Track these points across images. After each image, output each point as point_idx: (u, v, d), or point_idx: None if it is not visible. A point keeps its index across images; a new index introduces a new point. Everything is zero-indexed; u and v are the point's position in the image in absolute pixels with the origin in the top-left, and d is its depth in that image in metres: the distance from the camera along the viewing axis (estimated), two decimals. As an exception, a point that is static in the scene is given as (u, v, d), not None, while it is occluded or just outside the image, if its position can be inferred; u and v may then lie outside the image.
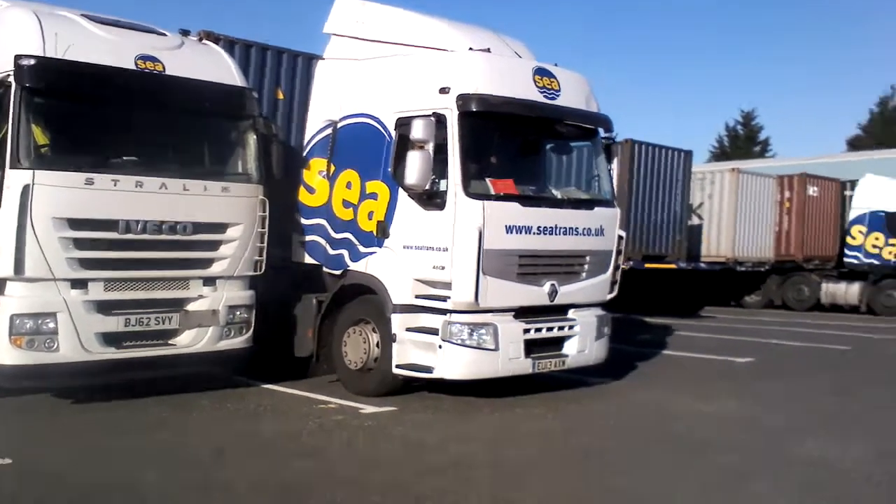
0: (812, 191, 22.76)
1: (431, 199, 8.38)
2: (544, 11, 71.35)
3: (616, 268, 9.57)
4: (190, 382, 8.65)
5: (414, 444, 6.98)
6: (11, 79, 7.46)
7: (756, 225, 21.31)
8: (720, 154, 46.67)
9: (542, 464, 6.49)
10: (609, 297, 9.59)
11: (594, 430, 7.80)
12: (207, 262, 8.36)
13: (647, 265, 17.50)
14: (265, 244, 8.68)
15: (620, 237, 9.64)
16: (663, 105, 76.49)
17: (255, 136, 8.81)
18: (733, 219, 20.54)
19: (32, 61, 7.49)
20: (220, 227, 8.39)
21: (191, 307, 8.26)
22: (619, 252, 9.60)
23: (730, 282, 21.98)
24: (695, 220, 20.39)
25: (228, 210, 8.43)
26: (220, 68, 8.90)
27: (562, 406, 8.85)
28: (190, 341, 8.22)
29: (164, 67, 8.24)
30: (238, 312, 8.51)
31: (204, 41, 9.63)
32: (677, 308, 19.79)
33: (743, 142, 47.97)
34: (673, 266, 18.12)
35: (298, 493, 5.64)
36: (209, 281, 8.37)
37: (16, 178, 7.26)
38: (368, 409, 8.28)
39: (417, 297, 8.54)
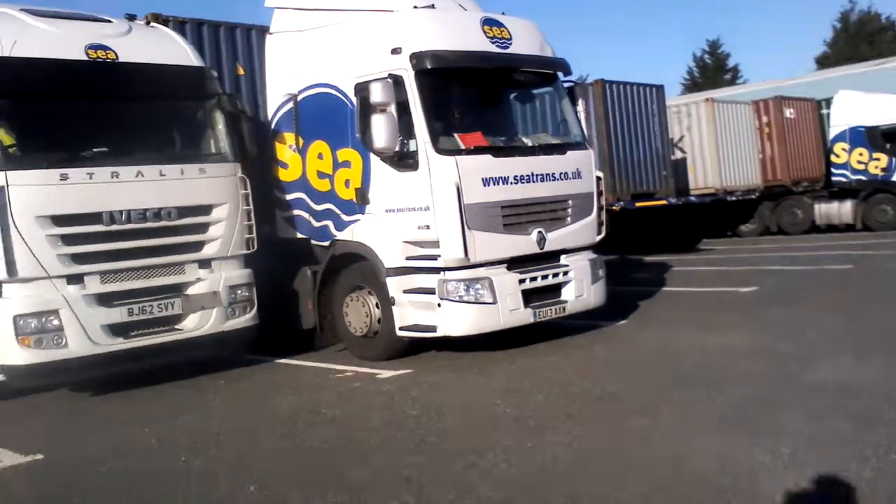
0: (789, 113, 23.37)
1: (403, 160, 8.69)
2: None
3: (600, 209, 9.92)
4: (202, 365, 8.91)
5: (434, 404, 7.25)
6: (-37, 82, 7.55)
7: (739, 153, 21.88)
8: (692, 86, 47.23)
9: (563, 411, 6.74)
10: (598, 238, 9.94)
11: (608, 373, 8.06)
12: (198, 245, 8.58)
13: (637, 204, 17.90)
14: (253, 221, 8.92)
15: (599, 178, 9.97)
16: (628, 44, 76.99)
17: (222, 115, 9.02)
18: (715, 149, 21.09)
19: None
20: (205, 209, 8.61)
21: (191, 291, 8.50)
22: (599, 193, 9.93)
23: (723, 212, 22.56)
24: (678, 155, 20.90)
25: (210, 191, 8.65)
26: (175, 50, 9.07)
27: (574, 352, 9.17)
28: (196, 325, 8.49)
29: (116, 55, 8.39)
30: (239, 292, 8.78)
31: (152, 24, 9.76)
32: (674, 244, 20.30)
33: (712, 71, 48.59)
34: (664, 202, 18.54)
35: (328, 461, 5.91)
36: (205, 263, 8.61)
37: (-12, 182, 7.39)
38: (385, 373, 8.57)
39: (409, 258, 8.87)
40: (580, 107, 10.24)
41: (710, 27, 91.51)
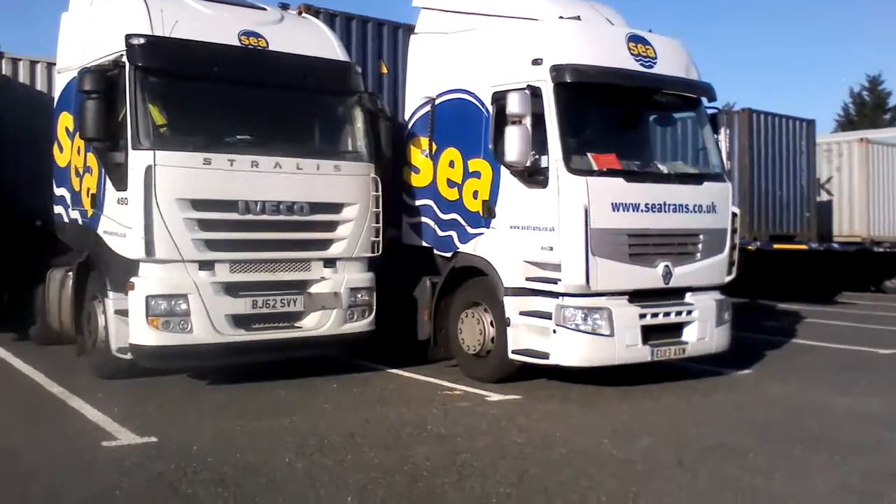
0: (954, 161, 22.01)
1: (533, 175, 8.59)
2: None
3: (732, 247, 9.55)
4: (315, 365, 9.13)
5: (540, 434, 7.18)
6: (125, 59, 7.98)
7: (892, 200, 20.77)
8: (846, 123, 45.13)
9: (674, 460, 6.54)
10: (727, 279, 9.59)
11: (726, 424, 7.77)
12: (326, 244, 8.77)
13: (775, 246, 17.26)
14: (381, 224, 9.03)
15: (735, 214, 9.63)
16: (781, 74, 74.16)
17: (362, 113, 9.16)
18: (866, 194, 20.10)
19: (143, 40, 8.01)
20: (336, 207, 8.79)
21: (314, 289, 8.70)
22: (734, 230, 9.57)
23: (867, 264, 21.32)
24: (823, 196, 20.02)
25: (343, 189, 8.82)
26: (323, 43, 9.29)
27: (691, 397, 8.92)
28: (315, 324, 8.69)
29: (267, 43, 8.67)
30: (360, 295, 8.93)
31: (304, 15, 10.06)
32: (810, 293, 19.39)
33: (870, 109, 46.30)
34: (804, 247, 17.81)
35: (427, 479, 5.91)
36: (329, 263, 8.79)
37: (138, 160, 7.80)
38: (494, 396, 8.54)
39: (528, 279, 8.77)
40: (722, 136, 9.96)
41: (871, 61, 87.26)
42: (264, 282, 8.45)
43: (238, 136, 8.49)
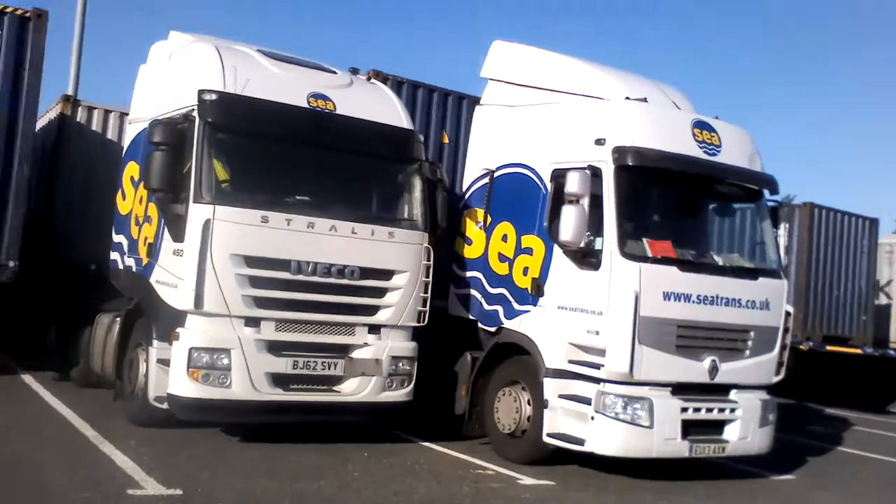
0: None
1: (586, 257, 8.49)
2: (721, 66, 70.43)
3: (783, 347, 9.29)
4: (348, 431, 9.06)
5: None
6: (195, 113, 8.18)
7: (953, 309, 20.18)
8: (907, 225, 44.41)
9: None
10: (775, 379, 9.33)
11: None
12: (373, 310, 8.75)
13: (828, 347, 16.83)
14: (429, 294, 9.02)
15: (788, 313, 9.41)
16: (842, 169, 73.27)
17: (420, 181, 9.21)
18: (927, 300, 19.59)
19: (215, 96, 8.21)
20: (387, 274, 8.78)
21: (356, 354, 8.66)
22: (786, 330, 9.33)
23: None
24: (882, 300, 19.53)
25: (394, 256, 8.81)
26: (388, 109, 9.41)
27: (732, 499, 8.67)
28: (353, 390, 8.63)
29: (334, 106, 8.81)
30: (401, 364, 8.87)
31: (372, 80, 10.26)
32: (860, 399, 18.79)
33: (934, 213, 45.54)
34: (858, 351, 17.30)
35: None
36: (374, 329, 8.77)
37: (198, 213, 7.93)
38: (527, 480, 8.35)
39: (571, 361, 8.64)
40: (781, 230, 9.80)
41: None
42: (307, 343, 8.44)
43: (297, 197, 8.59)
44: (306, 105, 8.66)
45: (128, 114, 10.83)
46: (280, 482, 7.26)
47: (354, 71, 10.06)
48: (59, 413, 9.44)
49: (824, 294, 17.08)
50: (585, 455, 8.58)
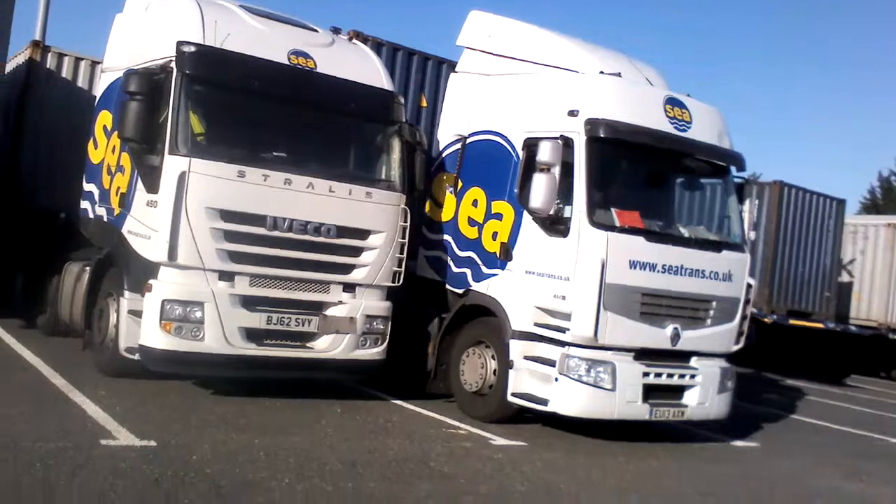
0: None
1: (555, 224, 8.63)
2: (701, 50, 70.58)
3: (744, 317, 9.54)
4: (322, 388, 9.04)
5: (544, 485, 7.08)
6: (173, 65, 8.01)
7: (915, 289, 20.58)
8: (871, 206, 44.97)
9: None
10: (735, 348, 9.59)
11: (731, 497, 7.65)
12: (348, 268, 8.70)
13: (791, 321, 17.12)
14: (405, 255, 8.99)
15: (749, 285, 9.63)
16: (809, 150, 74.06)
17: (400, 143, 9.15)
18: (888, 279, 19.92)
19: (193, 48, 8.04)
20: (363, 234, 8.73)
21: (330, 312, 8.62)
22: (747, 301, 9.57)
23: (881, 350, 21.03)
24: (845, 277, 19.86)
25: (371, 216, 8.77)
26: (370, 70, 9.30)
27: (697, 465, 8.84)
28: (327, 347, 8.60)
29: (315, 64, 8.69)
30: (375, 323, 8.84)
31: (354, 41, 10.11)
32: (820, 372, 19.20)
33: (897, 194, 46.16)
34: (820, 325, 17.64)
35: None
36: (349, 287, 8.73)
37: (173, 165, 7.79)
38: (498, 440, 8.42)
39: (537, 324, 8.80)
40: (746, 206, 10.02)
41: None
42: (282, 299, 8.37)
43: (274, 153, 8.48)
44: (287, 62, 8.54)
45: (100, 62, 10.62)
46: (254, 436, 7.22)
47: (336, 31, 9.91)
48: (27, 361, 9.32)
49: (790, 270, 17.32)
50: (548, 415, 8.74)
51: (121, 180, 8.80)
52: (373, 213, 8.79)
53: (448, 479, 6.85)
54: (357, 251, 8.74)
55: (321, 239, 8.42)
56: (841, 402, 16.06)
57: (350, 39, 10.11)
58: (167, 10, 8.91)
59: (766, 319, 16.27)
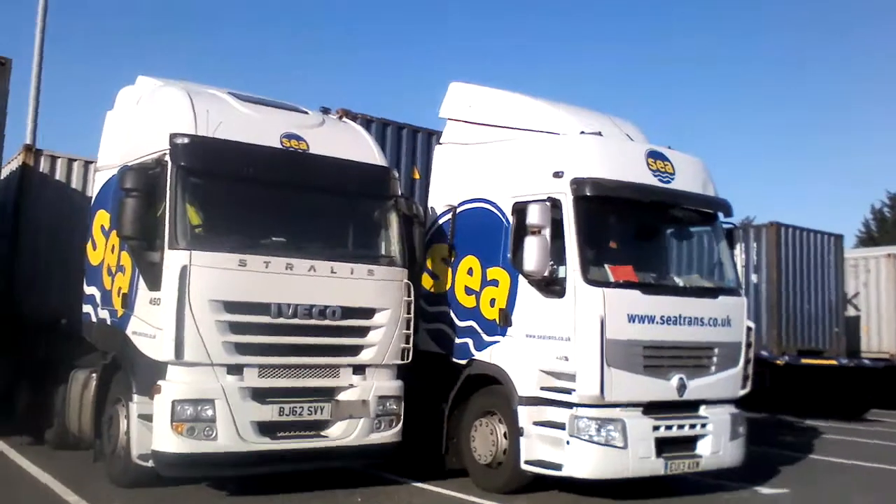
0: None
1: (551, 286, 8.61)
2: (681, 96, 71.53)
3: (747, 361, 9.50)
4: (336, 476, 8.71)
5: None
6: (167, 157, 7.90)
7: (920, 316, 20.36)
8: (867, 239, 44.95)
9: None
10: (742, 392, 9.50)
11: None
12: (357, 349, 8.48)
13: (803, 360, 16.82)
14: (412, 331, 8.78)
15: (749, 328, 9.61)
16: (802, 189, 74.45)
17: (397, 217, 9.02)
18: (894, 309, 19.60)
19: (187, 139, 7.94)
20: (368, 312, 8.52)
21: (342, 397, 8.36)
22: (749, 344, 9.53)
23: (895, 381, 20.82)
24: (851, 312, 19.65)
25: (375, 294, 8.57)
26: (362, 146, 9.24)
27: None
28: (342, 433, 8.31)
29: (308, 146, 8.60)
30: (388, 403, 8.58)
31: (343, 119, 10.09)
32: (838, 409, 18.83)
33: (891, 226, 46.18)
34: (833, 362, 17.33)
35: None
36: (359, 370, 8.48)
37: (174, 259, 7.60)
38: (524, 515, 8.14)
39: (543, 388, 8.67)
40: (738, 251, 10.05)
41: (890, 179, 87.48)
42: (292, 388, 8.10)
43: (274, 238, 8.31)
44: (280, 146, 8.44)
45: (92, 162, 10.53)
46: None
47: (326, 111, 9.88)
48: (36, 479, 8.84)
49: (796, 309, 17.11)
50: (564, 480, 8.54)
51: (122, 280, 8.59)
52: (376, 290, 8.60)
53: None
54: (364, 331, 8.52)
55: (327, 322, 8.19)
56: (863, 437, 15.67)
57: (340, 118, 10.09)
58: (158, 102, 8.85)
59: (777, 361, 16.01)
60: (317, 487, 8.54)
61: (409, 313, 8.78)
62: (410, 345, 8.79)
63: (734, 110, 72.93)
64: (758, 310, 16.76)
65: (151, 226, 7.84)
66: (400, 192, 9.30)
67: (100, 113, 10.09)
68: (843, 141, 68.57)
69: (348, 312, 8.37)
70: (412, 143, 11.45)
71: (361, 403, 8.40)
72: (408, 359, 8.76)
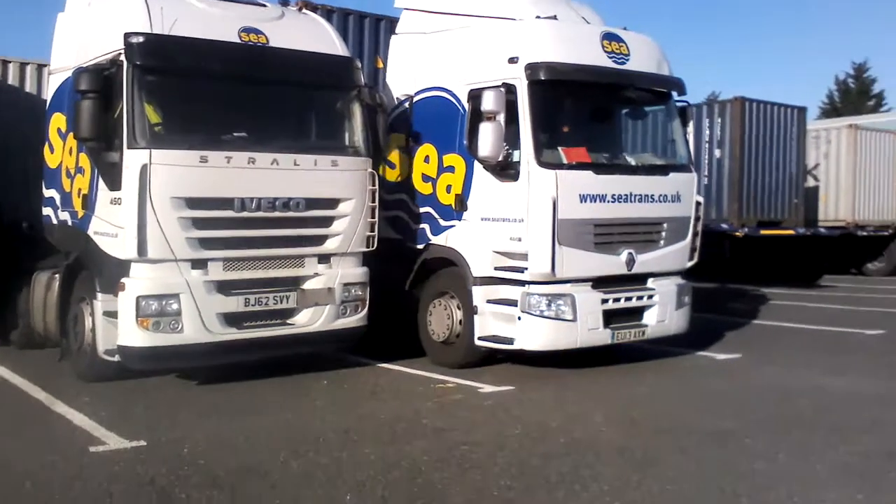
0: (936, 145, 21.77)
1: (505, 170, 8.66)
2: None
3: (695, 234, 9.71)
4: (307, 362, 8.86)
5: (537, 424, 7.01)
6: (122, 57, 7.65)
7: (877, 186, 20.54)
8: (831, 111, 44.83)
9: (673, 446, 6.45)
10: (689, 264, 9.74)
11: (721, 409, 7.63)
12: (321, 239, 8.48)
13: (762, 232, 17.03)
14: (377, 219, 8.77)
15: (698, 203, 9.77)
16: (766, 61, 73.64)
17: (360, 107, 8.87)
18: (852, 180, 19.83)
19: (142, 38, 7.67)
20: (332, 203, 8.49)
21: (307, 285, 8.40)
22: (697, 218, 9.73)
23: (850, 248, 20.99)
24: (810, 182, 19.76)
25: (339, 185, 8.52)
26: (323, 38, 8.99)
27: (683, 383, 8.84)
28: (308, 320, 8.39)
29: (267, 39, 8.35)
30: (353, 290, 8.65)
31: (304, 10, 9.76)
32: (794, 276, 19.21)
33: (855, 96, 45.95)
34: (791, 232, 17.54)
35: (427, 474, 5.72)
36: (324, 258, 8.50)
37: (134, 158, 7.46)
38: (487, 388, 8.33)
39: (497, 268, 8.87)
40: (690, 128, 10.14)
41: (857, 49, 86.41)
42: (258, 279, 8.11)
43: (235, 134, 8.16)
44: (238, 40, 8.17)
45: (46, 65, 10.14)
46: (244, 420, 7.05)
47: (284, 2, 9.52)
48: (3, 378, 8.82)
49: (757, 182, 17.15)
50: (516, 353, 8.87)
51: (81, 182, 8.43)
52: (340, 180, 8.54)
53: (442, 433, 6.76)
54: (328, 221, 8.49)
55: (291, 213, 8.15)
56: (816, 303, 16.06)
57: (299, 10, 9.74)
58: (111, 1, 8.48)
59: (737, 233, 16.24)
60: (286, 374, 8.68)
61: (373, 202, 8.75)
62: (376, 232, 8.79)
63: (705, -14, 71.17)
64: (720, 184, 16.85)
65: (109, 126, 7.66)
66: (363, 82, 9.09)
67: (51, 15, 9.67)
68: (811, 13, 67.53)
69: (312, 203, 8.32)
70: (375, 33, 11.20)
71: (327, 291, 8.47)
72: (373, 246, 8.79)
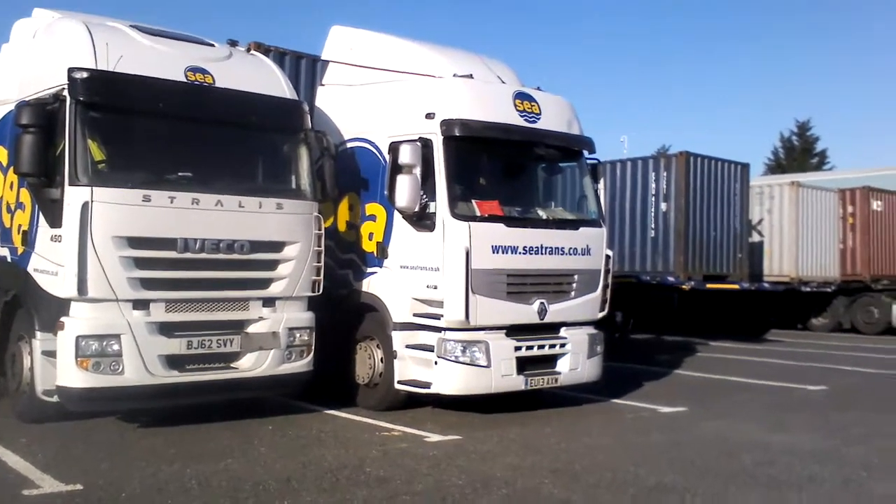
0: (876, 205, 22.71)
1: (422, 220, 9.14)
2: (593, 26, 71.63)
3: (605, 286, 10.21)
4: (251, 407, 8.82)
5: (481, 475, 7.04)
6: (66, 93, 7.67)
7: (819, 242, 21.28)
8: (776, 167, 46.42)
9: (614, 501, 6.57)
10: (600, 315, 10.20)
11: (663, 463, 7.72)
12: (266, 283, 8.51)
13: (708, 285, 17.43)
14: (322, 263, 8.83)
15: (608, 256, 10.30)
16: (714, 119, 76.01)
17: (307, 151, 8.99)
18: (795, 235, 20.52)
19: (86, 74, 7.71)
20: (277, 246, 8.54)
21: (251, 329, 8.41)
22: (607, 271, 10.24)
23: (795, 303, 21.73)
24: (755, 237, 20.36)
25: (284, 228, 8.58)
26: (270, 80, 9.10)
27: (627, 437, 8.98)
28: (252, 365, 8.38)
29: (213, 80, 8.44)
30: (298, 335, 8.67)
31: (252, 52, 9.87)
32: (742, 330, 19.67)
33: (799, 154, 47.69)
34: (736, 287, 17.99)
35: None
36: (268, 302, 8.53)
37: (75, 196, 7.46)
38: (433, 437, 8.38)
39: (415, 314, 9.28)
40: (601, 185, 10.69)
41: (800, 109, 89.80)
42: (201, 322, 8.11)
43: (179, 174, 8.19)
44: (184, 79, 8.25)
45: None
46: (184, 465, 6.98)
47: (233, 43, 9.64)
48: None
49: (703, 236, 17.56)
50: (433, 397, 9.26)
51: (21, 217, 8.37)
52: (286, 224, 8.61)
53: (384, 482, 6.74)
54: (273, 264, 8.54)
55: (235, 256, 8.18)
56: (762, 357, 16.47)
57: (249, 51, 9.86)
58: (56, 35, 8.52)
59: (684, 286, 16.59)
60: (229, 419, 8.62)
61: (319, 246, 8.83)
62: (321, 277, 8.86)
63: (654, 41, 73.54)
64: (666, 237, 17.24)
65: (51, 162, 7.67)
66: (310, 126, 9.22)
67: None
68: (757, 71, 70.09)
69: (257, 246, 8.37)
70: (328, 76, 11.28)
71: (272, 335, 8.48)
72: (318, 290, 8.85)
